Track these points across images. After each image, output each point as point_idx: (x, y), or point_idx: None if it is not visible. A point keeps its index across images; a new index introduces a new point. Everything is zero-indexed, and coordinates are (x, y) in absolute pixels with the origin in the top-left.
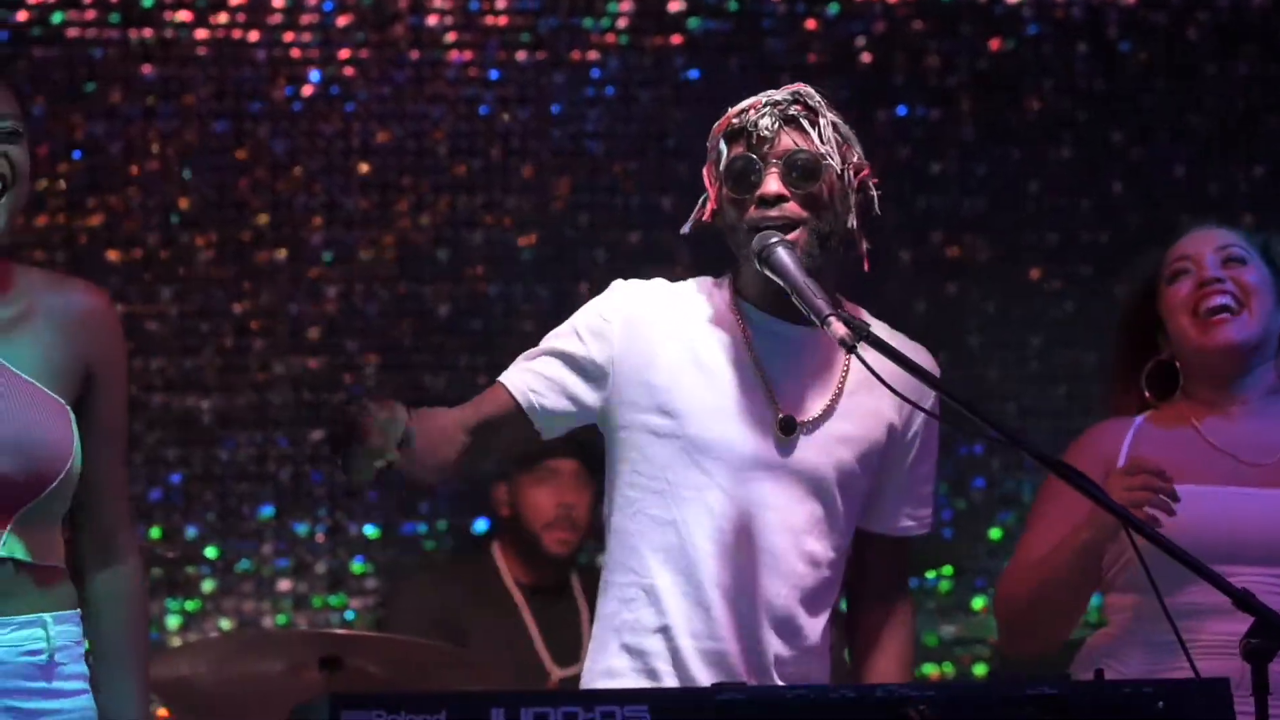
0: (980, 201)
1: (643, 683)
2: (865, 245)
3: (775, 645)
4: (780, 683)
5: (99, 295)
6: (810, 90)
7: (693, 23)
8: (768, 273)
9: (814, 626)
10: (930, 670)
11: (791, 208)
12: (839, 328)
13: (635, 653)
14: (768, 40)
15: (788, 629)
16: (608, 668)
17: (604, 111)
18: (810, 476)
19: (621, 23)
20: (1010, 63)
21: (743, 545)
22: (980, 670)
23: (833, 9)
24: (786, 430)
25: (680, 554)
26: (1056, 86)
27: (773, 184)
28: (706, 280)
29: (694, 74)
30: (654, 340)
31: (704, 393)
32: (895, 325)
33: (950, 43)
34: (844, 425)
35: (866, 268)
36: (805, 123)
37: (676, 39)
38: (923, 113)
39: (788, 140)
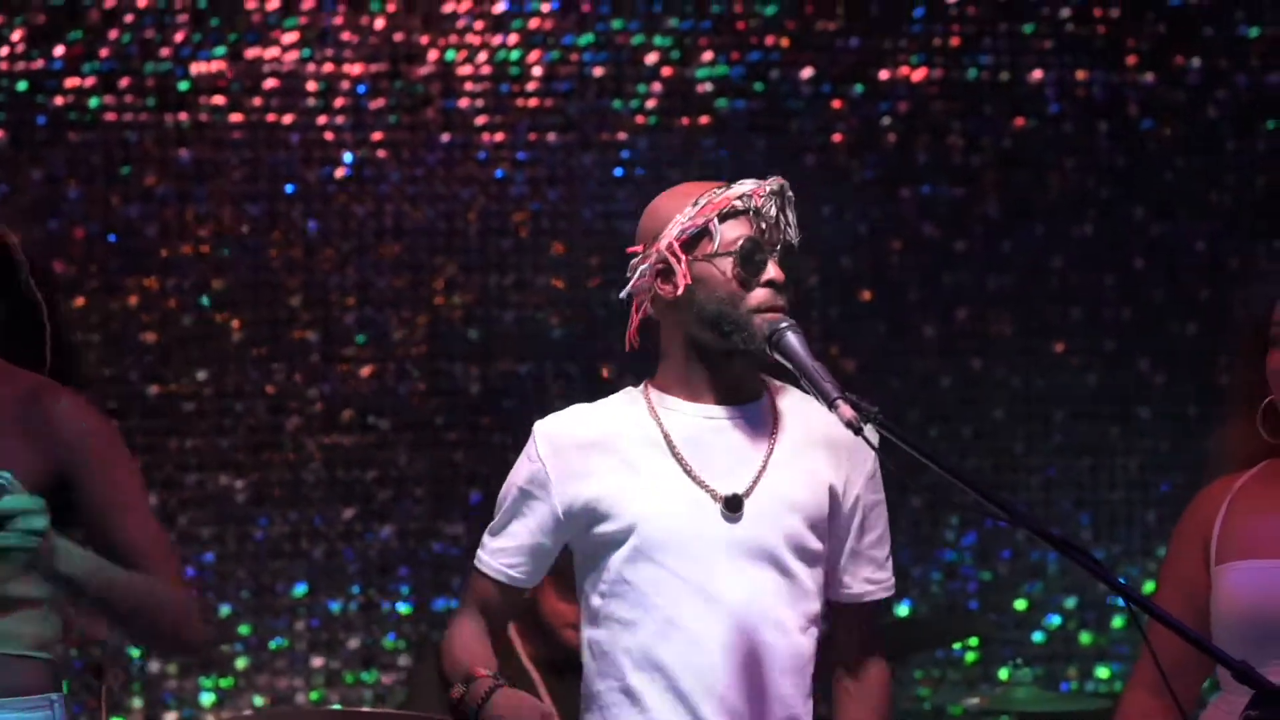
0: (1004, 278)
1: None
2: None
3: (770, 712)
4: None
5: (57, 396)
6: (786, 183)
7: (720, 103)
8: (778, 356)
9: (796, 694)
10: None
11: (783, 292)
12: (846, 411)
13: None
14: (794, 120)
15: (769, 700)
16: None
17: (633, 191)
18: (761, 548)
19: (650, 103)
20: (1033, 141)
21: (710, 629)
22: None
23: (858, 89)
24: (732, 508)
25: (651, 650)
26: (1079, 164)
27: (774, 269)
28: (623, 393)
29: (723, 153)
30: (586, 465)
31: (642, 495)
32: (921, 399)
33: (974, 122)
34: (784, 492)
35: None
36: (785, 215)
37: (704, 119)
38: (947, 191)
39: (779, 230)
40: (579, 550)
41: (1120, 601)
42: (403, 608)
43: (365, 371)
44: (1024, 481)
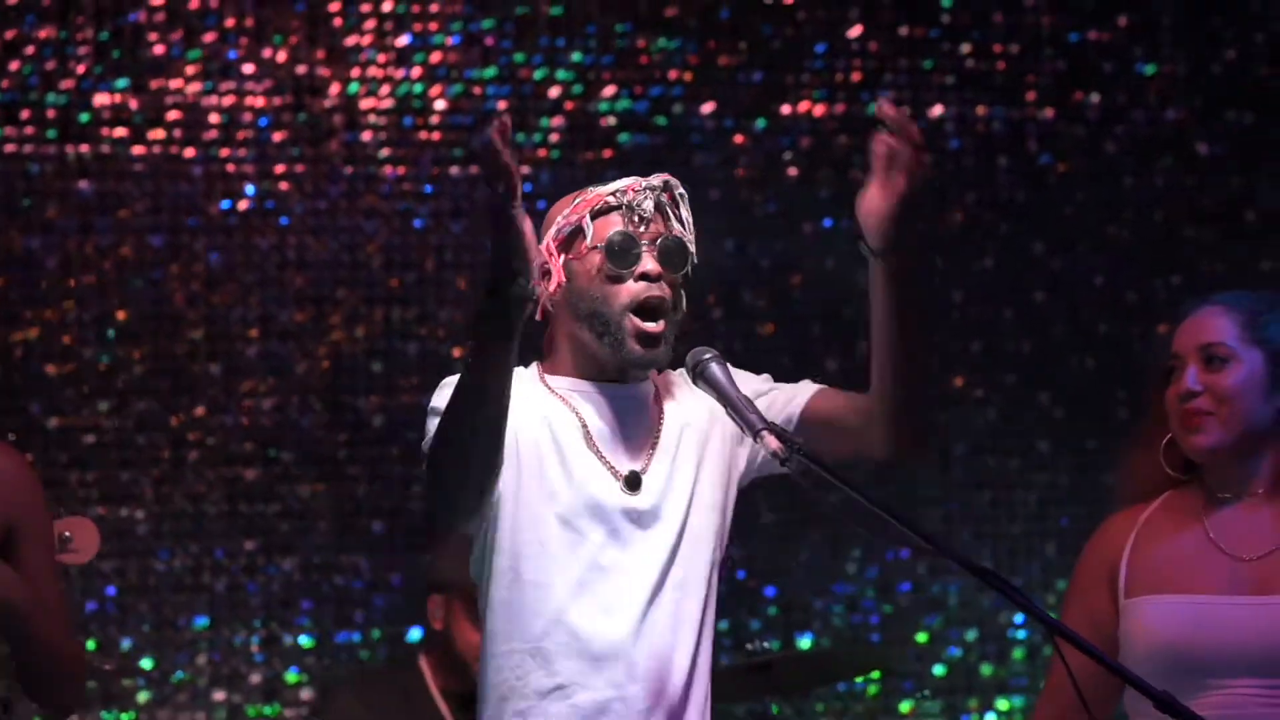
0: None
1: None
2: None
3: (672, 677)
4: (683, 711)
5: (10, 456)
6: (677, 181)
7: (623, 138)
8: (701, 386)
9: (701, 658)
10: None
11: (665, 288)
12: (772, 442)
13: (527, 717)
14: (696, 154)
15: (678, 662)
16: None
17: (536, 225)
18: (666, 518)
19: (553, 138)
20: (933, 176)
21: (625, 596)
22: None
23: (760, 124)
24: (632, 486)
25: (561, 613)
26: (979, 198)
27: (651, 263)
28: (523, 369)
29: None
30: (512, 437)
31: (557, 465)
32: None
33: None
34: (678, 462)
35: None
36: (670, 211)
37: (607, 153)
38: (848, 224)
39: (659, 224)
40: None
41: (1021, 635)
42: (305, 641)
43: (267, 404)
44: (924, 515)
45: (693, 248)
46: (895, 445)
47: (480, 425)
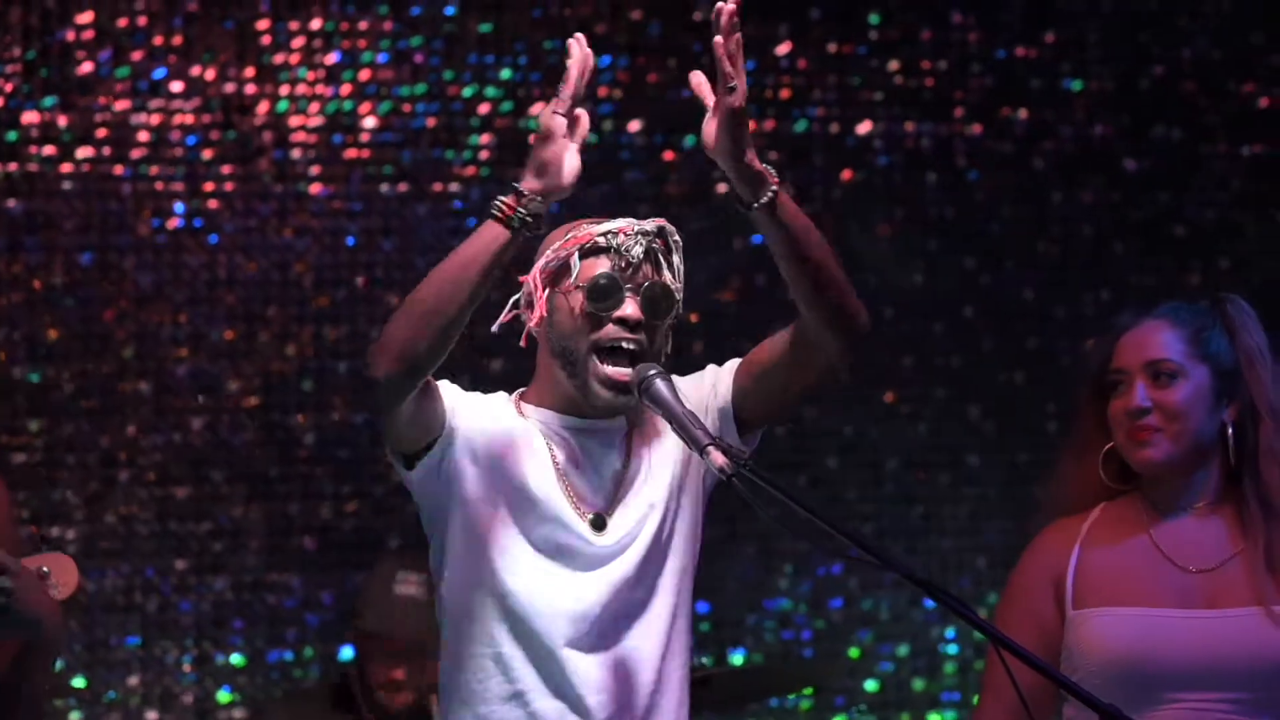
0: None
1: None
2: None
3: (634, 692)
4: None
5: None
6: (673, 229)
7: None
8: (646, 403)
9: (670, 669)
10: None
11: (642, 335)
12: (718, 457)
13: None
14: (626, 171)
15: (642, 675)
16: None
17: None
18: (632, 553)
19: (483, 154)
20: (863, 192)
21: (588, 609)
22: None
23: (689, 140)
24: (597, 527)
25: (525, 620)
26: (908, 214)
27: (632, 308)
28: (499, 396)
29: (554, 206)
30: (482, 437)
31: (526, 498)
32: (756, 450)
33: (804, 172)
34: (647, 498)
35: None
36: (661, 258)
37: None
38: None
39: (647, 270)
40: (460, 500)
41: (953, 649)
42: (237, 660)
43: (198, 423)
44: (857, 529)
45: (679, 295)
46: (840, 339)
47: (431, 299)
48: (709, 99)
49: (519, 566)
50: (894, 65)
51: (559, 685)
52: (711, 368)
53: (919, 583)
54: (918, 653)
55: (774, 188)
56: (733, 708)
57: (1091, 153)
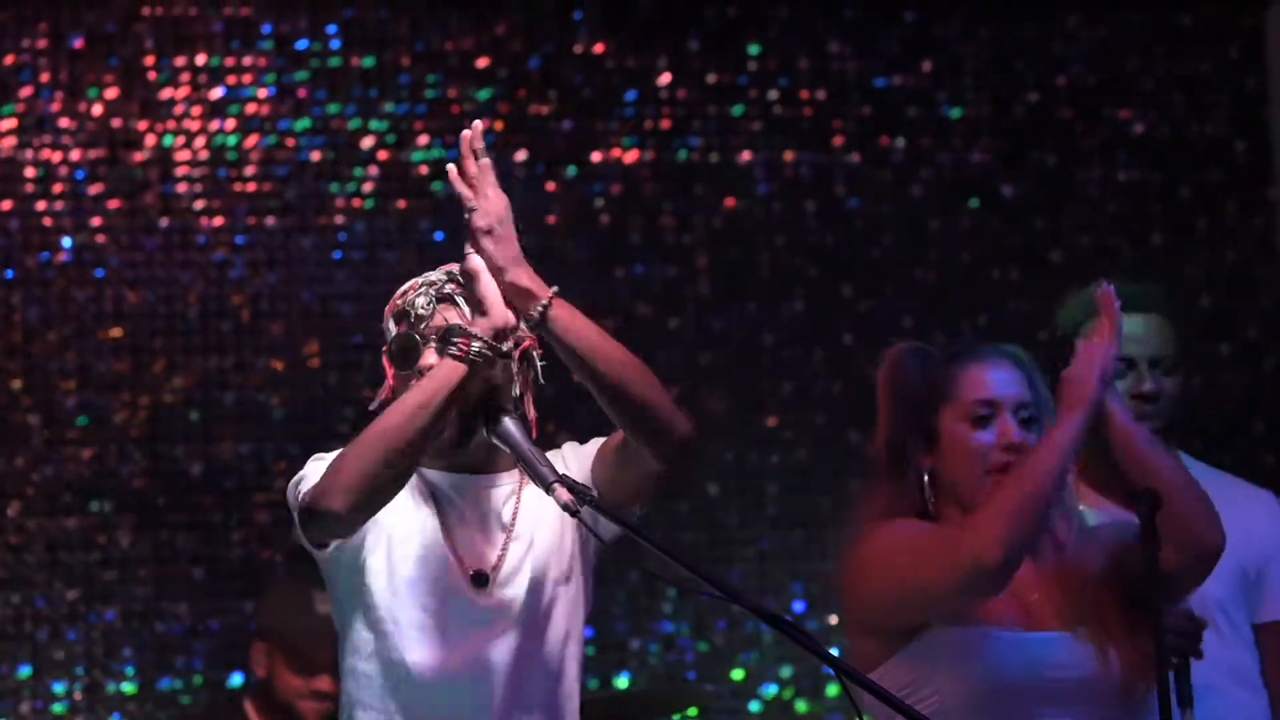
0: (717, 354)
1: None
2: (533, 412)
3: None
4: None
5: None
6: (454, 271)
7: (436, 185)
8: (496, 440)
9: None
10: None
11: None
12: (563, 494)
13: None
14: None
15: None
16: None
17: (351, 273)
18: (516, 609)
19: (367, 186)
20: (743, 220)
21: (473, 678)
22: None
23: (571, 171)
24: (479, 584)
25: (412, 691)
26: (788, 242)
27: (431, 357)
28: None
29: (439, 236)
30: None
31: (415, 557)
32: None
33: (685, 202)
34: (533, 551)
35: (534, 435)
36: (461, 300)
37: (421, 201)
38: (660, 270)
39: (441, 318)
40: (355, 571)
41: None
42: (128, 688)
43: (86, 454)
44: (739, 554)
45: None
46: (657, 458)
47: (397, 442)
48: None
49: (407, 634)
50: (774, 95)
51: None
52: (595, 441)
53: (764, 616)
54: (801, 675)
55: (543, 303)
56: None
57: (969, 179)
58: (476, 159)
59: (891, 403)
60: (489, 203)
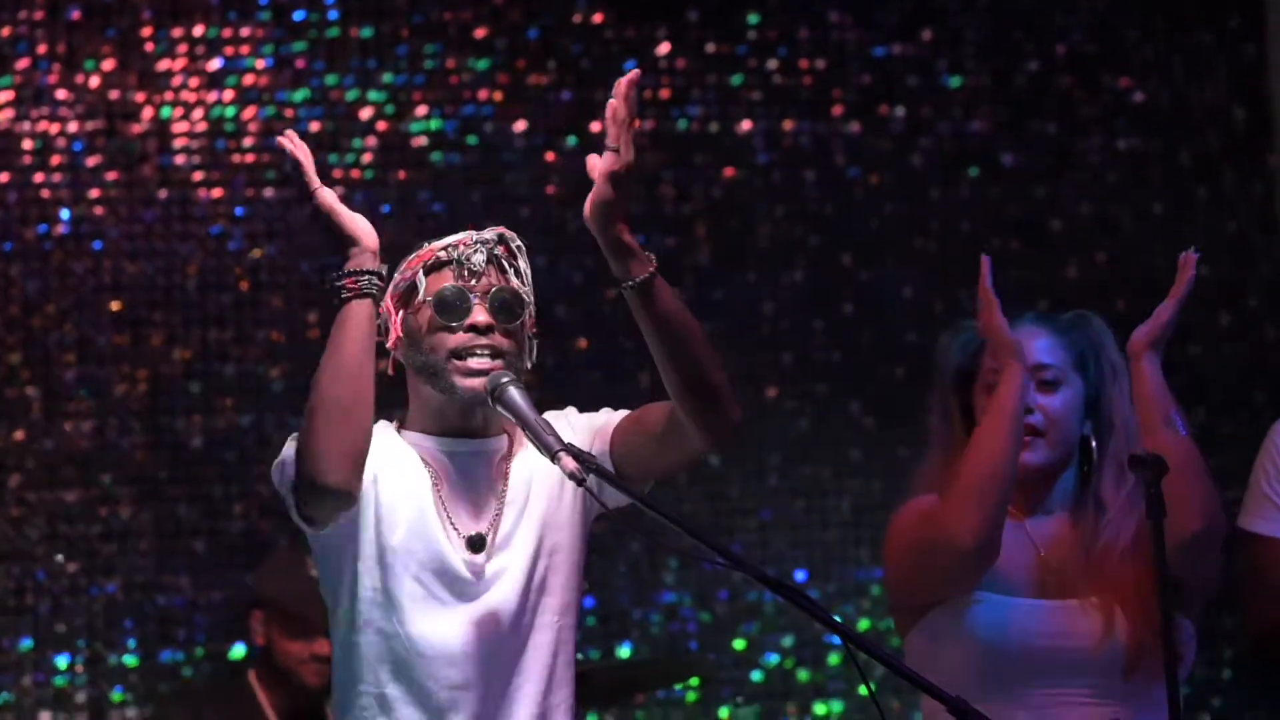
0: (717, 324)
1: None
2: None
3: None
4: None
5: None
6: (514, 235)
7: (435, 156)
8: (500, 409)
9: (554, 703)
10: None
11: (498, 338)
12: (569, 463)
13: None
14: (508, 173)
15: (525, 711)
16: None
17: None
18: (510, 574)
19: (366, 158)
20: (743, 190)
21: (468, 648)
22: None
23: (571, 141)
24: (475, 548)
25: (407, 663)
26: (788, 212)
27: (482, 315)
28: (385, 422)
29: (437, 207)
30: (371, 476)
31: (408, 523)
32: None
33: (684, 172)
34: (526, 517)
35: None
36: (505, 263)
37: (420, 173)
38: (659, 240)
39: (492, 277)
40: (349, 539)
41: (837, 639)
42: (129, 660)
43: (87, 427)
44: (741, 524)
45: (529, 299)
46: (706, 438)
47: (343, 395)
48: (594, 170)
49: (401, 605)
50: (773, 64)
51: None
52: (605, 411)
53: (768, 582)
54: (802, 644)
55: (651, 270)
56: (620, 700)
57: (969, 148)
58: (631, 115)
59: (935, 379)
60: (628, 153)
